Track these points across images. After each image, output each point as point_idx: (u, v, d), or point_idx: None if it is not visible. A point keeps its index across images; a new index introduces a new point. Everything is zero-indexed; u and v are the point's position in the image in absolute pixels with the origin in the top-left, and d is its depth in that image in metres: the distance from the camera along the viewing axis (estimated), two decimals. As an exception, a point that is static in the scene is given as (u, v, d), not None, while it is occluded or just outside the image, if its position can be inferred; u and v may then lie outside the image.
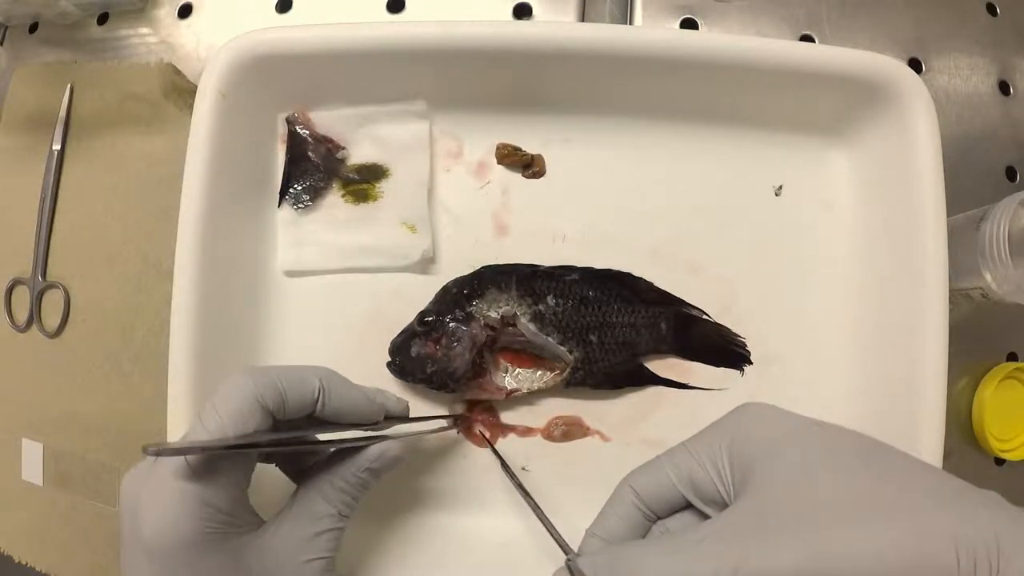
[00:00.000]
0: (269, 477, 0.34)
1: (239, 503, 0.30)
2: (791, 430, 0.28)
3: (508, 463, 0.39)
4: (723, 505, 0.28)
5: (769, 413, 0.29)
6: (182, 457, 0.27)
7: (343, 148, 0.43)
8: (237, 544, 0.29)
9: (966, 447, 0.45)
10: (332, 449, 0.33)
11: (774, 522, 0.25)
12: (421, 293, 0.41)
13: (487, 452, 0.41)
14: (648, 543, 0.28)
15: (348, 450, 0.32)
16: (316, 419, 0.32)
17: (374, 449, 0.33)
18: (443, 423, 0.39)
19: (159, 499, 0.27)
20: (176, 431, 0.37)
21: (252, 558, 0.29)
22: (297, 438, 0.31)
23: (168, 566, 0.27)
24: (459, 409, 0.41)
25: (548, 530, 0.33)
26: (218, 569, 0.28)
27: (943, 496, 0.25)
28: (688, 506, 0.30)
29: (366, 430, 0.33)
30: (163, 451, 0.26)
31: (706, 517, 0.29)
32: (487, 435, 0.41)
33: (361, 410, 0.33)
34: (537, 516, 0.35)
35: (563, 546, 0.31)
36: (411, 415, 0.37)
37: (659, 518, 0.30)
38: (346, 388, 0.32)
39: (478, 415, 0.41)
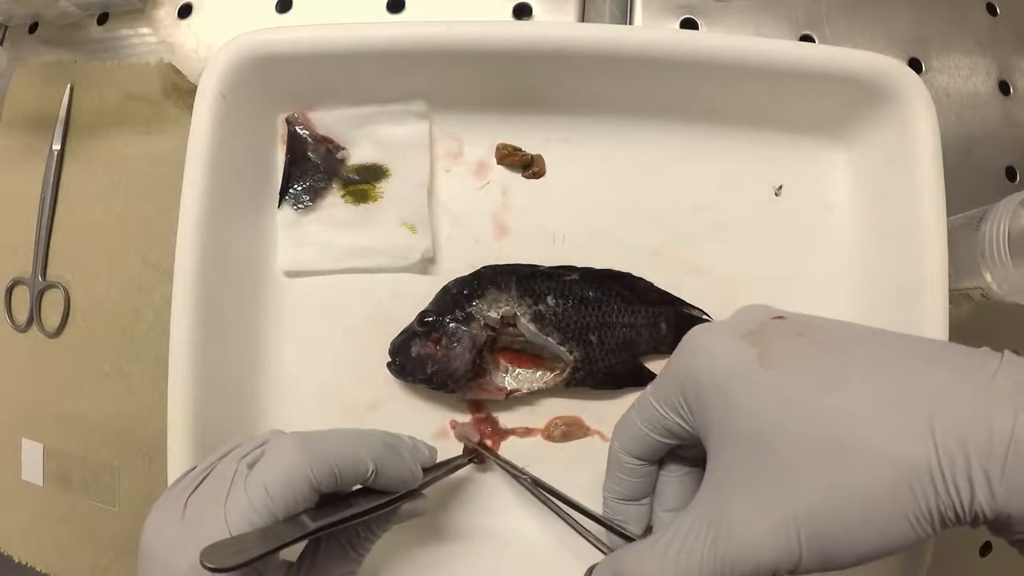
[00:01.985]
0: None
1: (273, 564, 0.31)
2: (730, 366, 0.27)
3: (534, 483, 0.38)
4: (698, 440, 0.29)
5: (708, 344, 0.28)
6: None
7: (343, 148, 0.43)
8: None
9: (966, 447, 0.45)
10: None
11: (741, 497, 0.25)
12: (421, 293, 0.41)
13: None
14: (641, 547, 0.28)
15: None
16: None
17: (405, 510, 0.34)
18: (463, 461, 0.39)
19: (197, 571, 0.26)
20: (176, 431, 0.37)
21: None
22: (343, 519, 0.30)
23: None
24: (461, 412, 0.41)
25: (579, 531, 0.34)
26: None
27: (901, 407, 0.23)
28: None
29: None
30: (226, 568, 0.25)
31: (697, 457, 0.31)
32: (499, 457, 0.40)
33: (406, 483, 0.33)
34: (564, 519, 0.35)
35: (599, 547, 0.33)
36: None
37: (656, 461, 0.32)
38: (395, 464, 0.32)
39: (485, 430, 0.41)
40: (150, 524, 0.28)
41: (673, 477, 0.32)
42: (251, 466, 0.29)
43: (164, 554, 0.27)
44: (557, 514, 0.36)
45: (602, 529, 0.34)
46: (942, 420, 0.22)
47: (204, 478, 0.29)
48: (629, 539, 0.32)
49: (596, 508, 0.35)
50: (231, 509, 0.27)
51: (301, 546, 0.32)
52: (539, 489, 0.37)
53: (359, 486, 0.32)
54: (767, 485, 0.24)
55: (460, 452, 0.40)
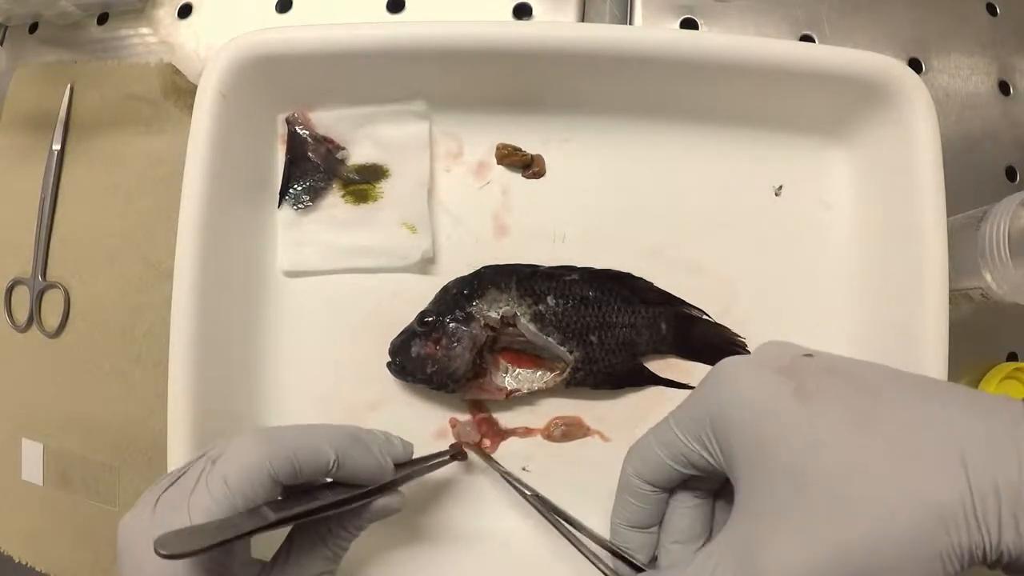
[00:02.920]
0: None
1: (242, 560, 0.30)
2: (765, 400, 0.27)
3: (536, 498, 0.37)
4: (719, 473, 0.29)
5: (740, 378, 0.28)
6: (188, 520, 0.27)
7: (343, 148, 0.43)
8: None
9: (966, 447, 0.45)
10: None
11: (775, 533, 0.25)
12: (421, 293, 0.41)
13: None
14: None
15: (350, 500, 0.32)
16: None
17: (378, 505, 0.33)
18: (443, 458, 0.38)
19: (161, 562, 0.26)
20: (176, 431, 0.37)
21: None
22: (306, 511, 0.30)
23: None
24: (461, 412, 0.41)
25: (580, 551, 0.33)
26: None
27: (938, 445, 0.23)
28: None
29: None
30: (178, 554, 0.25)
31: (710, 489, 0.31)
32: (504, 470, 0.39)
33: (373, 475, 0.32)
34: (565, 536, 0.34)
35: (602, 569, 0.32)
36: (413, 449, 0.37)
37: (669, 489, 0.32)
38: (359, 455, 0.32)
39: (485, 430, 0.41)
40: (124, 522, 0.29)
41: (682, 508, 0.32)
42: (214, 461, 0.29)
43: (134, 549, 0.27)
44: (559, 531, 0.35)
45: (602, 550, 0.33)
46: (975, 460, 0.23)
47: (178, 478, 0.29)
48: (636, 567, 0.32)
49: (594, 513, 0.35)
50: (194, 503, 0.28)
51: (278, 544, 0.32)
52: (541, 504, 0.36)
53: (329, 480, 0.31)
54: (803, 522, 0.24)
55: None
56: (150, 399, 0.44)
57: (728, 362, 0.30)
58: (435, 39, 0.39)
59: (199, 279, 0.38)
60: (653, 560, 0.33)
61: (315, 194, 0.43)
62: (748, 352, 0.41)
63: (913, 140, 0.38)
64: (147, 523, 0.28)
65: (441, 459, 0.38)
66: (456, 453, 0.39)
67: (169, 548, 0.24)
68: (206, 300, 0.38)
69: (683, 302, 0.41)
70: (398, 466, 0.34)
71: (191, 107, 0.39)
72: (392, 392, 0.41)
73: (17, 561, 0.46)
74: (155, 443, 0.44)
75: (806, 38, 0.48)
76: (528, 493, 0.37)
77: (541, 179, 0.43)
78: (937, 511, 0.22)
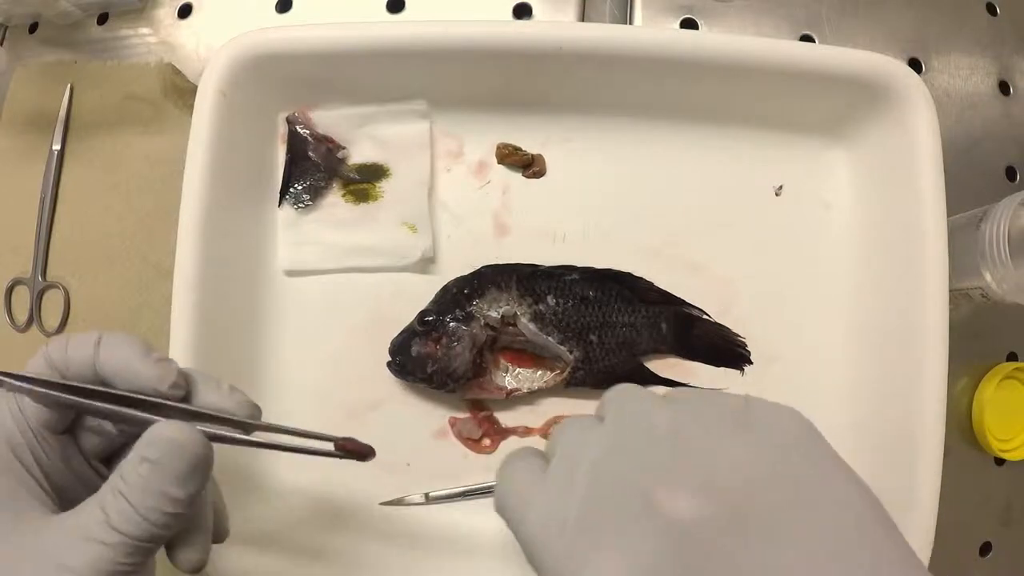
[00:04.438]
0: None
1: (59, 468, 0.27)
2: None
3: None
4: None
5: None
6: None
7: (343, 148, 0.43)
8: (30, 517, 0.25)
9: (966, 447, 0.45)
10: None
11: None
12: (421, 293, 0.41)
13: (485, 455, 0.41)
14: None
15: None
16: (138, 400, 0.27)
17: (150, 432, 0.25)
18: (321, 446, 0.29)
19: None
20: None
21: (26, 543, 0.24)
22: (61, 384, 0.26)
23: None
24: (461, 412, 0.41)
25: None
26: None
27: None
28: None
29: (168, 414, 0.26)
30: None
31: None
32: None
33: (137, 371, 0.26)
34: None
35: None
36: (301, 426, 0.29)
37: None
38: (126, 348, 0.27)
39: (485, 429, 0.40)
40: None
41: None
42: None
43: None
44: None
45: None
46: None
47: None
48: None
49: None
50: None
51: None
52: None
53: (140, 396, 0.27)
54: None
55: (461, 453, 0.40)
56: (150, 399, 0.44)
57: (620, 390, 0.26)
58: (435, 39, 0.39)
59: (199, 279, 0.38)
60: None
61: (315, 193, 0.43)
62: (748, 352, 0.41)
63: (913, 140, 0.38)
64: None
65: (321, 443, 0.29)
66: (347, 449, 0.29)
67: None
68: (206, 300, 0.38)
69: (683, 302, 0.41)
70: (256, 426, 0.28)
71: (191, 107, 0.39)
72: (392, 392, 0.41)
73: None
74: (155, 443, 0.44)
75: (806, 38, 0.48)
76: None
77: (541, 179, 0.43)
78: None
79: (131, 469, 0.25)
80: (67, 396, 0.26)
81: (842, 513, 0.20)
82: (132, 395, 0.27)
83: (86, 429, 0.28)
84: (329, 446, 0.29)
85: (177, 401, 0.27)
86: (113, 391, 0.27)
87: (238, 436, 0.27)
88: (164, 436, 0.25)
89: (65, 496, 0.27)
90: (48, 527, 0.25)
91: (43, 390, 0.26)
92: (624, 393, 0.25)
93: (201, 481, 0.25)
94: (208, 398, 0.28)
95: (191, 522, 0.27)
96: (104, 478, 0.26)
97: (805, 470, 0.21)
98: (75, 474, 0.28)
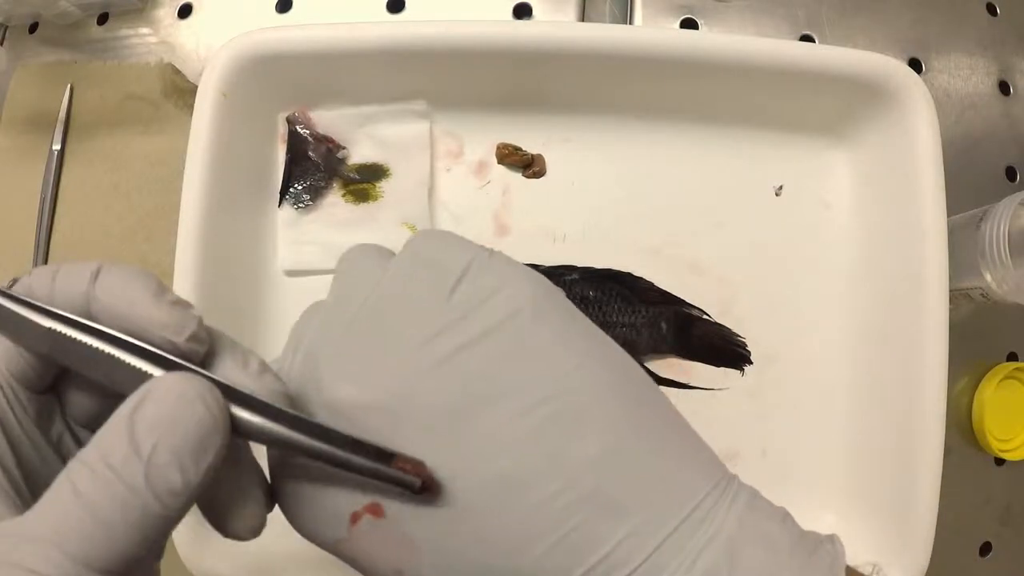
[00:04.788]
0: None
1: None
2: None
3: None
4: None
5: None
6: None
7: (343, 148, 0.43)
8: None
9: (966, 447, 0.45)
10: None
11: None
12: (421, 293, 0.41)
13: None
14: None
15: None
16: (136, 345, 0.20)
17: (147, 386, 0.18)
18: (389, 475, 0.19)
19: None
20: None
21: None
22: (60, 315, 0.19)
23: None
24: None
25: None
26: None
27: None
28: None
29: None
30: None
31: None
32: None
33: (146, 314, 0.20)
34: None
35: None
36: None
37: None
38: (133, 279, 0.21)
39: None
40: None
41: None
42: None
43: None
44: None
45: None
46: None
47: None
48: None
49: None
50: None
51: None
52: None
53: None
54: None
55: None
56: (150, 399, 0.44)
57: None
58: (435, 39, 0.39)
59: (199, 279, 0.38)
60: None
61: (315, 193, 0.43)
62: (748, 352, 0.41)
63: (913, 140, 0.38)
64: None
65: (383, 473, 0.19)
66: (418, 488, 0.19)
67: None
68: (206, 299, 0.38)
69: (683, 302, 0.41)
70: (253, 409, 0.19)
71: (191, 107, 0.39)
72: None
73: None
74: (155, 443, 0.44)
75: (806, 38, 0.48)
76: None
77: (541, 179, 0.43)
78: None
79: (116, 424, 0.18)
80: (47, 323, 0.19)
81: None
82: (134, 342, 0.19)
83: (73, 387, 0.22)
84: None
85: (193, 364, 0.20)
86: (110, 332, 0.20)
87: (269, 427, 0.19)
88: (172, 390, 0.18)
89: (37, 481, 0.20)
90: (13, 532, 0.17)
91: (18, 310, 0.19)
92: (356, 254, 0.26)
93: (216, 456, 0.18)
94: (229, 373, 0.20)
95: (237, 481, 0.21)
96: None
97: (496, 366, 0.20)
98: (53, 447, 0.21)
